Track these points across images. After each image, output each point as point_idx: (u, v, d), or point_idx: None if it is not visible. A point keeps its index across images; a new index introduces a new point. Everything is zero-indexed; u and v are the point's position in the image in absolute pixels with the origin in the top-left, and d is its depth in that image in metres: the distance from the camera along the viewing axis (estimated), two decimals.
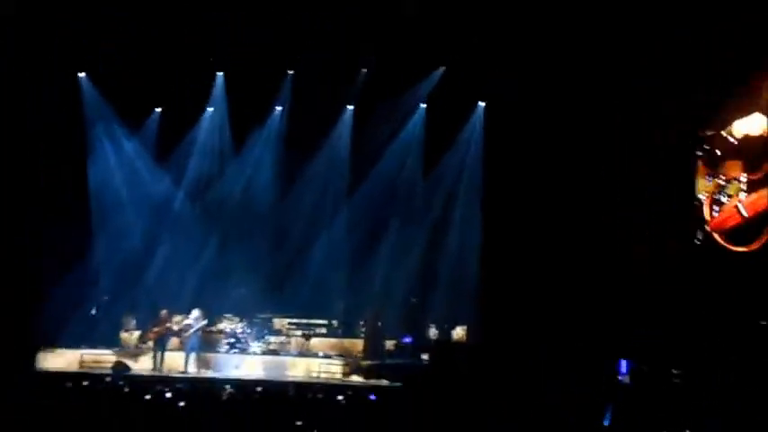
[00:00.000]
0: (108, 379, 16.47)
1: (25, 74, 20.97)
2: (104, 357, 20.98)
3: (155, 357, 21.15)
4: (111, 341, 22.36)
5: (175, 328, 21.48)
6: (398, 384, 18.68)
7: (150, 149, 24.20)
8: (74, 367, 20.54)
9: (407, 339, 21.95)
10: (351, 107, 23.90)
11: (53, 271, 21.71)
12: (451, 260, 22.87)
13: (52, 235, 21.61)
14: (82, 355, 21.01)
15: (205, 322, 21.70)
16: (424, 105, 23.48)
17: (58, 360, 20.81)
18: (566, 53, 19.81)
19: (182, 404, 11.80)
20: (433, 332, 22.58)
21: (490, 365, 15.99)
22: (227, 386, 15.43)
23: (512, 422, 11.01)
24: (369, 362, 21.07)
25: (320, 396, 14.02)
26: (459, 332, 22.53)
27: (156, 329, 21.46)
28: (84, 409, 10.98)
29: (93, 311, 22.91)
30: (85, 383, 14.50)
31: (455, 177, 23.36)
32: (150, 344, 21.55)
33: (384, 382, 19.49)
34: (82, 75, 23.05)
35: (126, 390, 13.76)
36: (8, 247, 21.18)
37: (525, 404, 12.95)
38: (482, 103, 23.02)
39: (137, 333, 22.54)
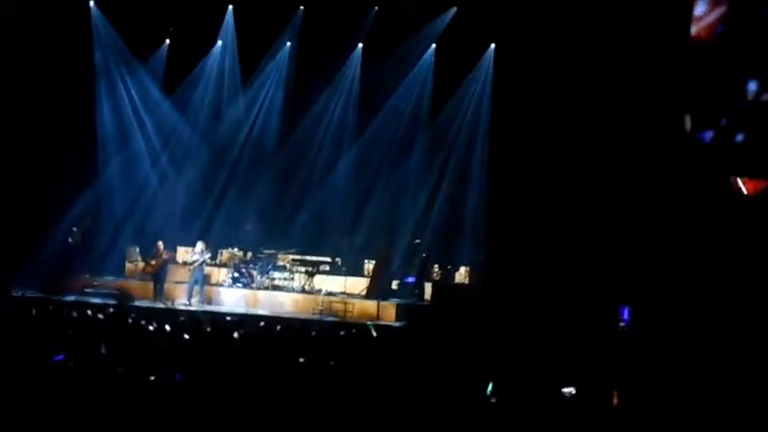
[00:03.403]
0: (111, 310, 16.56)
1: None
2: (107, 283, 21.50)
3: (154, 289, 21.34)
4: (117, 272, 22.67)
5: (178, 259, 21.63)
6: (401, 323, 18.84)
7: (159, 81, 24.15)
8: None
9: (410, 279, 21.98)
10: (361, 45, 23.72)
11: (62, 198, 21.91)
12: (457, 202, 22.86)
13: (61, 164, 21.76)
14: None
15: (209, 255, 21.82)
16: (434, 45, 23.31)
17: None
18: None
19: (186, 336, 11.87)
20: (435, 273, 22.63)
21: (491, 307, 16.08)
22: (229, 319, 15.52)
23: (511, 365, 11.09)
24: (372, 300, 21.14)
25: (323, 332, 14.07)
26: (461, 273, 22.60)
27: (152, 262, 21.61)
28: (87, 338, 11.03)
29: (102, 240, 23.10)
30: (89, 312, 14.63)
31: (464, 120, 23.25)
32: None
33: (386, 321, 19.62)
34: (92, 4, 23.01)
35: (129, 320, 13.85)
36: (16, 174, 21.31)
37: (525, 348, 13.05)
38: (493, 45, 22.84)
39: (141, 264, 22.68)
